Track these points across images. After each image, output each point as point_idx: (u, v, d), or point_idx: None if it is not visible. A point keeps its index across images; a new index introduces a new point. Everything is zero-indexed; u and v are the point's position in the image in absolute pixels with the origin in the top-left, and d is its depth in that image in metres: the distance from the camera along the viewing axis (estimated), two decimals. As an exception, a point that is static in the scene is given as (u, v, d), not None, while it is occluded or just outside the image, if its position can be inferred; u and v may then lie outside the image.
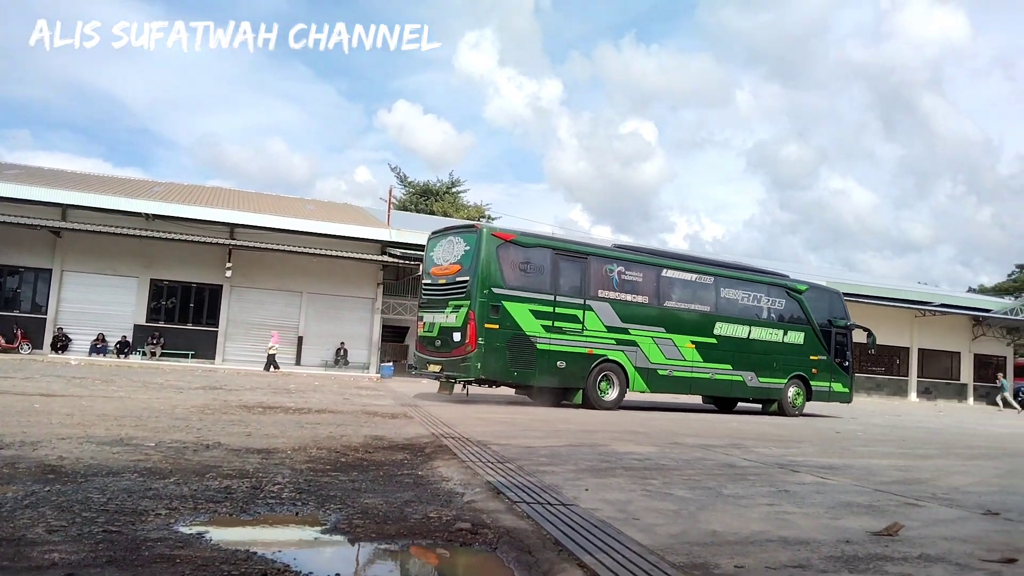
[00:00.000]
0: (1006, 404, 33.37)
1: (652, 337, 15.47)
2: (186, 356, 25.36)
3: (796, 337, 17.80)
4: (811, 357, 17.94)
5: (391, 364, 27.09)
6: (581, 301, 14.68)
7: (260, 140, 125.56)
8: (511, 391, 15.91)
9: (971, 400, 39.20)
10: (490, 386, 14.93)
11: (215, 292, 26.44)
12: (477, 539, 3.62)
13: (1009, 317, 37.42)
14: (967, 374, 39.60)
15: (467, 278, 13.79)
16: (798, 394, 17.72)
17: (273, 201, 31.70)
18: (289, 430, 7.74)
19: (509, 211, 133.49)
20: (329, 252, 25.66)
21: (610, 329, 14.96)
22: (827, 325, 18.48)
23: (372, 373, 26.09)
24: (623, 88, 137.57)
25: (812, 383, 17.91)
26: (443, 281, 14.48)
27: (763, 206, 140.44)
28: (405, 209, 52.06)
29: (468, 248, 14.05)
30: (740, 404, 18.32)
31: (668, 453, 7.51)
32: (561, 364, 14.27)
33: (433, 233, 15.77)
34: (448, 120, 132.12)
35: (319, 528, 3.75)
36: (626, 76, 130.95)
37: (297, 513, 4.00)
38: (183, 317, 26.43)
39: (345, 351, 27.17)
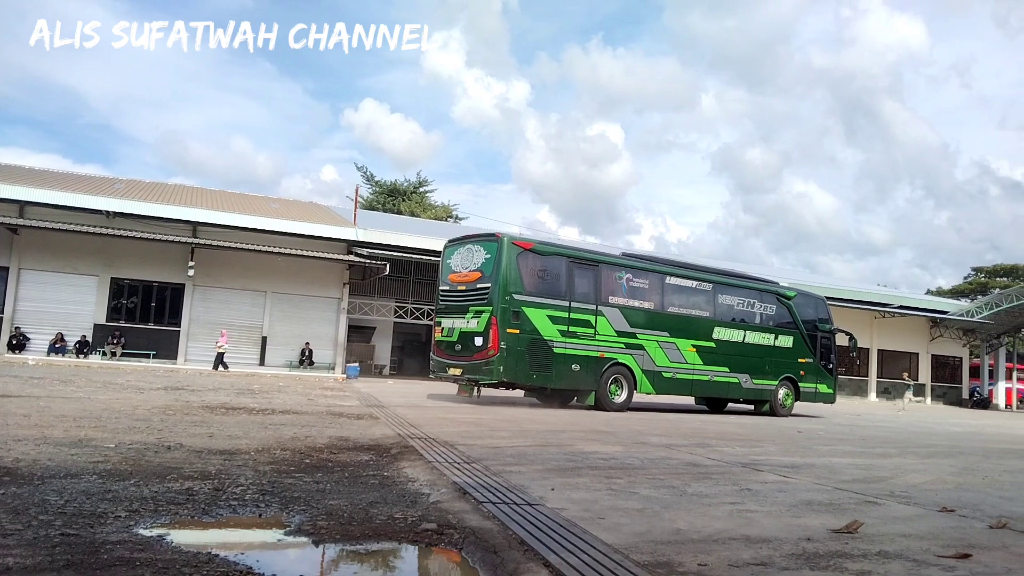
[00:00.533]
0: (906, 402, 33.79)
1: (657, 341, 16.10)
2: (147, 356, 24.95)
3: (786, 341, 18.58)
4: (799, 360, 18.74)
5: (357, 365, 26.91)
6: (593, 307, 15.23)
7: (224, 138, 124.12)
8: (509, 393, 16.21)
9: (929, 400, 40.02)
10: (507, 389, 15.33)
11: (177, 291, 26.05)
12: (443, 539, 3.61)
13: (965, 319, 38.26)
14: (925, 374, 40.43)
15: (488, 285, 14.27)
16: (788, 395, 18.47)
17: (237, 199, 31.31)
18: (252, 431, 7.65)
19: (477, 211, 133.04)
20: (294, 251, 25.42)
21: (619, 334, 15.52)
22: (813, 329, 19.30)
23: (338, 374, 25.89)
24: (590, 90, 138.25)
25: (800, 385, 18.69)
26: (463, 288, 14.91)
27: (727, 208, 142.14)
28: (372, 208, 51.76)
29: (488, 256, 14.50)
30: (730, 405, 19.11)
31: (633, 453, 7.56)
32: (575, 367, 14.77)
33: (450, 241, 16.08)
34: (416, 120, 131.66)
35: (283, 530, 3.71)
36: (593, 78, 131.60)
37: (260, 515, 3.96)
38: (144, 316, 26.00)
39: (310, 351, 26.93)
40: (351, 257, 26.28)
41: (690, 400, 19.21)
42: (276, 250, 25.18)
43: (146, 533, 3.37)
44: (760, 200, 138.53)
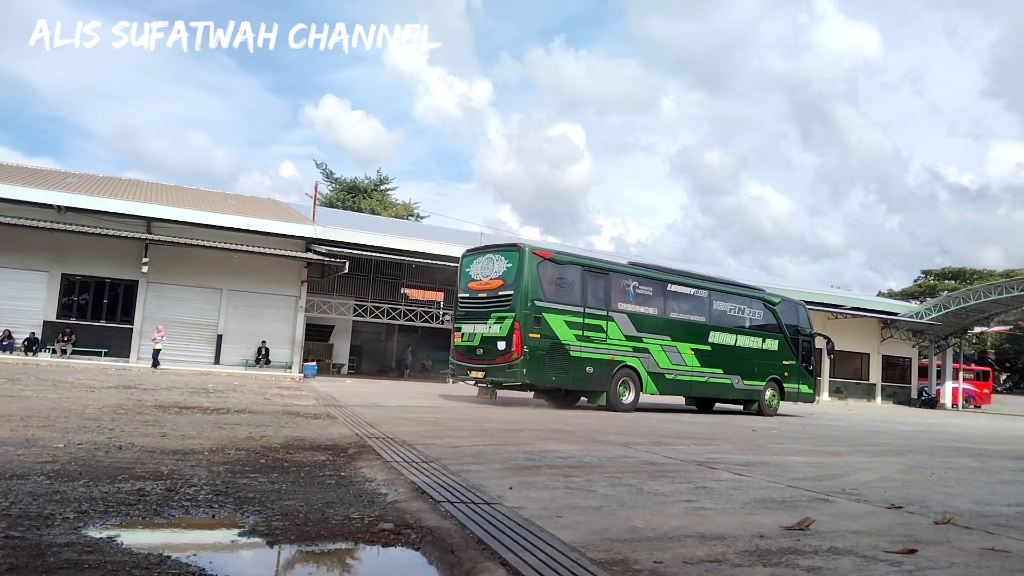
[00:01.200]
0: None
1: (661, 345, 16.97)
2: (99, 354, 24.39)
3: (772, 344, 19.62)
4: (784, 362, 19.80)
5: (315, 364, 26.63)
6: (605, 312, 16.05)
7: (181, 132, 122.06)
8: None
9: (879, 399, 40.91)
10: (527, 391, 16.07)
11: (130, 288, 25.49)
12: (400, 539, 3.60)
13: (915, 320, 39.19)
14: (876, 374, 41.31)
15: (511, 292, 14.97)
16: (774, 396, 19.44)
17: (193, 195, 30.76)
18: (206, 431, 7.53)
19: (438, 210, 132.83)
20: (251, 248, 25.07)
21: (628, 338, 16.33)
22: (795, 333, 20.38)
23: (295, 373, 25.59)
24: (552, 91, 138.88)
25: (784, 385, 19.74)
26: (484, 295, 15.63)
27: (685, 210, 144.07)
28: (331, 206, 51.26)
29: (510, 265, 15.20)
30: (717, 405, 19.94)
31: (591, 451, 7.60)
32: (590, 370, 15.56)
33: (469, 251, 16.93)
34: (377, 117, 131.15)
35: (237, 530, 3.66)
36: (556, 79, 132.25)
37: (214, 515, 3.90)
38: (96, 314, 25.40)
39: (267, 350, 26.58)
40: (309, 255, 26.00)
41: (679, 400, 19.89)
42: (232, 247, 24.80)
43: (95, 535, 3.30)
44: (717, 202, 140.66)
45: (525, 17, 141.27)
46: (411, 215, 57.92)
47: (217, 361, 26.02)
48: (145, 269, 24.31)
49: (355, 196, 56.79)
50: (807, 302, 36.05)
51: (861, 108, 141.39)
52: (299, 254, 25.94)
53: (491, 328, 15.12)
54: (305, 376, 24.78)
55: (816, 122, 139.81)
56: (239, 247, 24.91)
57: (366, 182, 59.15)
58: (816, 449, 10.04)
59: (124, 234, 23.79)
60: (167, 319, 25.38)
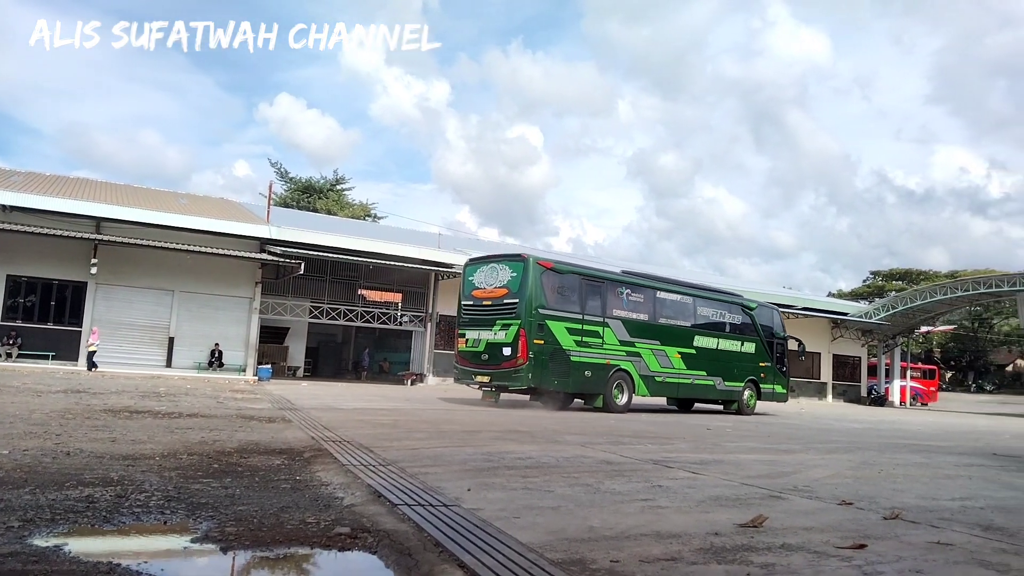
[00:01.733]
0: None
1: (651, 349, 17.85)
2: (46, 358, 23.71)
3: (750, 347, 20.67)
4: (760, 364, 20.86)
5: (269, 366, 26.25)
6: (601, 319, 16.86)
7: (132, 130, 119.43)
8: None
9: (830, 398, 41.74)
10: (531, 394, 16.61)
11: (79, 290, 24.82)
12: (356, 543, 3.57)
13: (864, 320, 40.06)
14: (827, 373, 42.13)
15: (516, 300, 15.66)
16: (751, 396, 20.48)
17: (144, 194, 30.09)
18: (158, 435, 7.38)
19: (396, 211, 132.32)
20: (204, 249, 24.60)
21: (622, 343, 17.19)
22: (770, 336, 21.50)
23: (249, 376, 25.20)
24: (510, 93, 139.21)
25: (761, 386, 20.76)
26: (488, 303, 16.25)
27: (641, 213, 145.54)
28: (286, 206, 50.60)
29: (515, 274, 15.90)
30: (696, 404, 20.90)
31: (549, 452, 7.63)
32: (588, 373, 16.39)
33: (472, 260, 17.68)
34: (333, 116, 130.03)
35: (189, 537, 3.59)
36: (513, 81, 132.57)
37: (165, 522, 3.82)
38: (43, 316, 24.68)
39: (220, 353, 26.12)
40: (264, 255, 25.61)
41: (661, 401, 20.58)
42: (184, 247, 24.31)
43: (41, 544, 3.21)
44: (673, 204, 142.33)
45: (482, 18, 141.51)
46: (368, 215, 57.45)
47: (169, 364, 25.48)
48: (94, 270, 23.70)
49: (310, 196, 56.13)
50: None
51: (812, 112, 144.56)
52: (253, 255, 25.54)
53: (496, 334, 15.79)
54: (259, 379, 24.41)
55: (768, 126, 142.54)
56: (191, 248, 24.42)
57: (322, 182, 58.52)
58: (769, 447, 10.21)
59: (72, 234, 23.17)
60: (117, 321, 24.79)
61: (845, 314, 41.31)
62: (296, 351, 31.16)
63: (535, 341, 15.35)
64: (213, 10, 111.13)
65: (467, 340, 16.54)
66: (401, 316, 30.62)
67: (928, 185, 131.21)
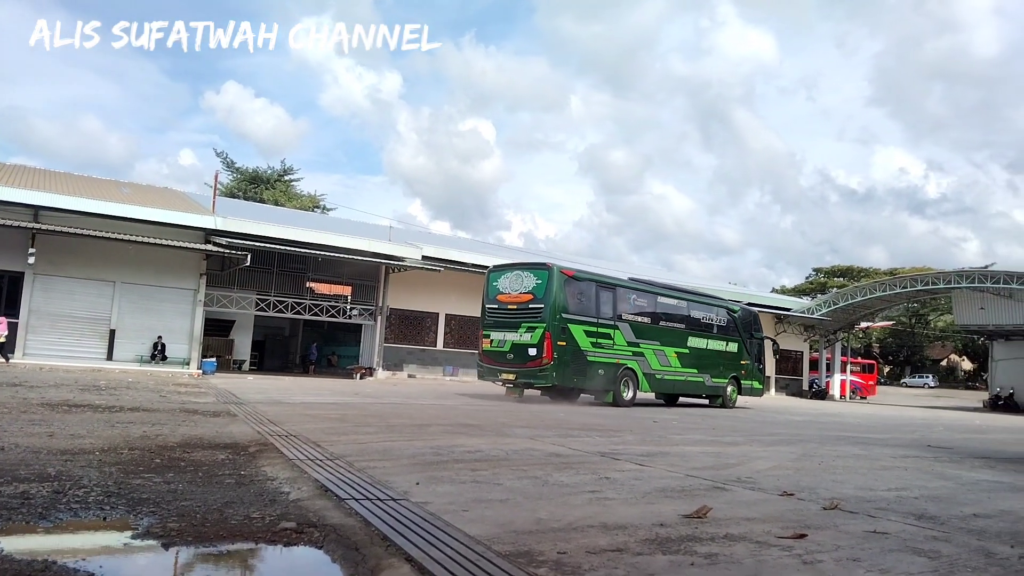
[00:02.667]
0: None
1: (653, 349, 19.28)
2: (-23, 350, 22.90)
3: (733, 347, 22.32)
4: (741, 362, 22.59)
5: (214, 360, 25.77)
6: (612, 322, 18.24)
7: (72, 116, 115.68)
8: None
9: (773, 391, 42.66)
10: (550, 392, 17.81)
11: (16, 280, 23.99)
12: (303, 538, 3.53)
13: (806, 316, 40.99)
14: (770, 367, 43.01)
15: (541, 305, 16.96)
16: (734, 391, 22.07)
17: (85, 183, 29.22)
18: (98, 429, 7.20)
19: (347, 202, 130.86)
20: (146, 239, 24.00)
21: (629, 344, 18.56)
22: (750, 336, 23.27)
23: (193, 369, 24.70)
24: (463, 86, 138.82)
25: (742, 382, 22.43)
26: (513, 307, 17.52)
27: (592, 208, 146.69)
28: (233, 196, 49.65)
29: (539, 281, 17.23)
30: (681, 399, 21.90)
31: (499, 445, 7.65)
32: (601, 372, 17.70)
33: (496, 267, 19.22)
34: (282, 105, 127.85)
35: (129, 533, 3.51)
36: (466, 75, 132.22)
37: (105, 518, 3.73)
38: (-25, 307, 23.84)
39: (163, 346, 25.54)
40: (209, 247, 25.09)
41: (650, 395, 21.23)
42: (126, 238, 23.68)
43: (-28, 542, 3.11)
44: (623, 200, 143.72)
45: (435, 10, 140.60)
46: (317, 207, 56.71)
47: (110, 357, 24.82)
48: (32, 260, 22.93)
49: (257, 187, 55.19)
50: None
51: (758, 111, 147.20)
52: (198, 246, 25.01)
53: (522, 336, 17.05)
54: (204, 372, 23.94)
55: (716, 124, 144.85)
56: (133, 238, 23.80)
57: (269, 172, 57.59)
58: (714, 439, 10.39)
59: (8, 223, 22.37)
60: (56, 313, 24.04)
61: (788, 310, 42.19)
62: (242, 344, 30.62)
63: (559, 343, 16.68)
64: (167, 5, 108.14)
65: (492, 340, 17.76)
66: (350, 309, 30.33)
67: (869, 185, 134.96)
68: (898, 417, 23.79)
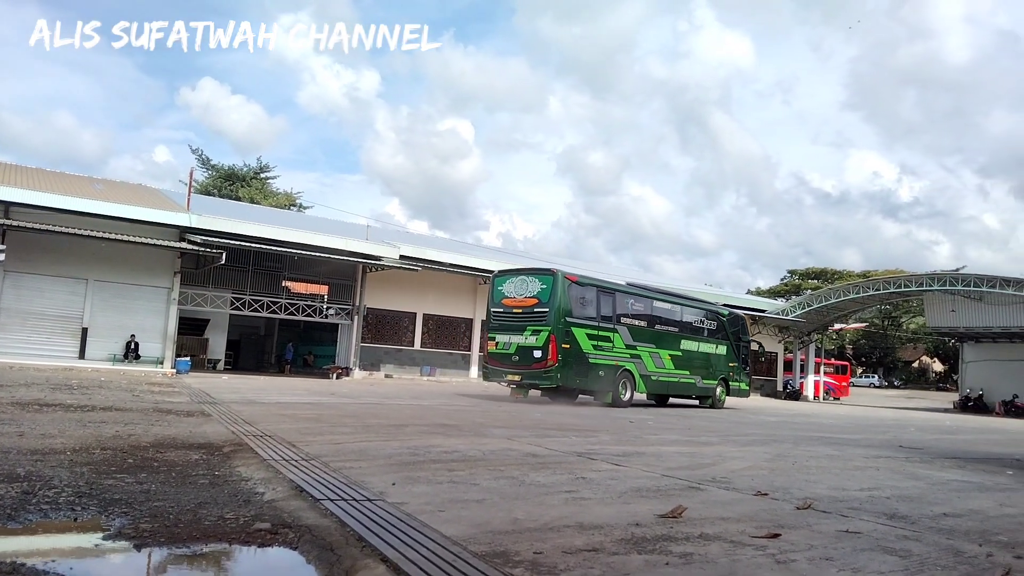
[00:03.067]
0: None
1: (649, 351, 19.91)
2: (-55, 349, 22.49)
3: (722, 349, 23.08)
4: (730, 364, 23.33)
5: (188, 359, 25.51)
6: (612, 326, 18.88)
7: (45, 111, 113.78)
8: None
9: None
10: (552, 393, 18.42)
11: (-17, 277, 23.64)
12: (277, 539, 3.51)
13: (781, 317, 41.34)
14: (746, 368, 43.34)
15: (546, 309, 17.52)
16: (722, 392, 22.80)
17: (57, 179, 28.82)
18: (69, 429, 7.10)
19: (324, 201, 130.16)
20: (120, 237, 23.70)
21: (627, 346, 19.17)
22: (738, 340, 24.09)
23: (167, 368, 24.44)
24: (442, 86, 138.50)
25: (730, 383, 23.21)
26: (519, 311, 18.05)
27: (570, 209, 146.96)
28: (208, 194, 49.18)
29: (544, 286, 17.79)
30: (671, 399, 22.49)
31: (476, 445, 7.64)
32: (602, 373, 18.32)
33: (501, 272, 19.91)
34: (258, 103, 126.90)
35: (101, 534, 3.47)
36: (445, 74, 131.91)
37: (76, 519, 3.68)
38: (-58, 305, 23.40)
39: (136, 345, 25.25)
40: (183, 244, 24.83)
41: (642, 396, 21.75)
42: (99, 235, 23.38)
43: (-61, 544, 3.06)
44: (601, 202, 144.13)
45: (414, 8, 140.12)
46: (293, 205, 56.33)
47: (82, 356, 24.51)
48: (2, 257, 22.56)
49: (233, 184, 54.68)
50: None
51: (735, 115, 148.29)
52: (172, 243, 24.75)
53: (527, 339, 17.61)
54: (178, 372, 23.70)
55: (693, 127, 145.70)
56: (106, 235, 23.51)
57: (245, 170, 57.07)
58: (689, 439, 10.46)
59: (-24, 219, 22.04)
60: (27, 311, 23.68)
61: (763, 311, 42.51)
62: (216, 344, 30.33)
63: (563, 345, 17.26)
64: (140, 3, 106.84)
65: (497, 343, 18.40)
66: (327, 309, 30.16)
67: (843, 188, 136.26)
68: (870, 418, 24.08)
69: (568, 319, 17.56)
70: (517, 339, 17.89)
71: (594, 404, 18.46)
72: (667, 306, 21.44)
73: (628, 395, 19.04)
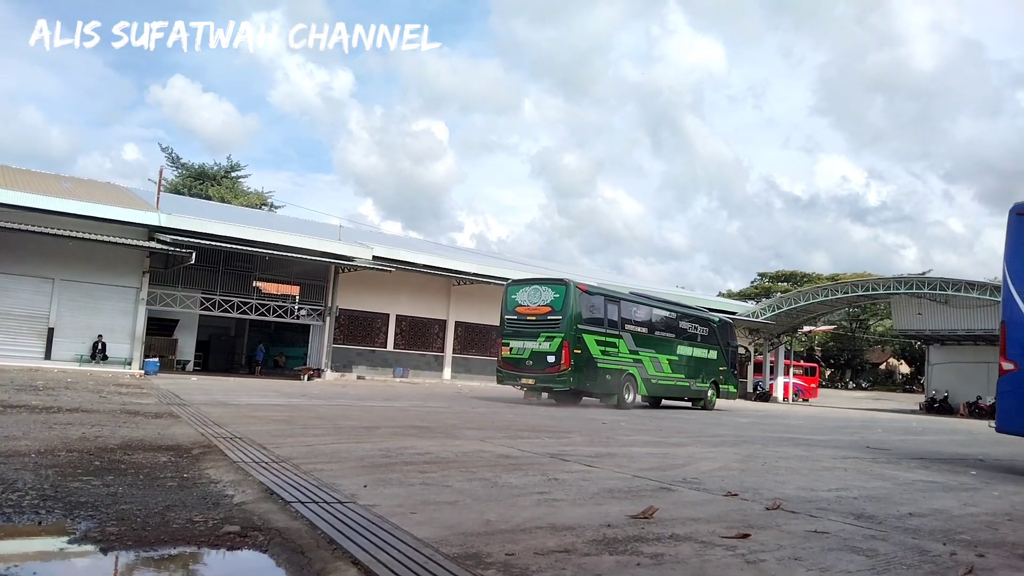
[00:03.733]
0: None
1: (649, 356, 21.12)
2: (-95, 349, 22.00)
3: (713, 354, 24.37)
4: (720, 368, 24.61)
5: (157, 360, 25.20)
6: (618, 332, 20.08)
7: (10, 108, 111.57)
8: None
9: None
10: (561, 395, 19.75)
11: (-54, 276, 23.14)
12: (246, 542, 3.48)
13: (751, 319, 41.76)
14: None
15: (559, 317, 18.64)
16: (713, 394, 24.22)
17: (24, 176, 28.32)
18: (34, 431, 6.98)
19: (297, 201, 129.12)
20: (87, 235, 23.35)
21: (631, 352, 20.40)
22: (727, 345, 25.40)
23: (135, 369, 24.12)
24: (416, 86, 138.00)
25: (721, 386, 24.58)
26: (532, 318, 19.17)
27: (544, 211, 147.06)
28: (178, 192, 48.61)
29: (557, 295, 18.94)
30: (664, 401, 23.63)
31: (448, 447, 7.62)
32: (608, 377, 19.54)
33: (514, 281, 21.15)
34: (230, 101, 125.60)
35: (66, 538, 3.41)
36: (419, 75, 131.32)
37: (40, 522, 3.62)
38: (-97, 304, 22.88)
39: (103, 345, 24.88)
40: (152, 244, 24.52)
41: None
42: (66, 233, 23.01)
43: (-103, 548, 2.99)
44: (574, 204, 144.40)
45: (388, 8, 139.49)
46: (264, 204, 55.86)
47: (48, 356, 24.10)
48: (-37, 255, 22.14)
49: (203, 183, 54.12)
50: (654, 299, 37.95)
51: (707, 119, 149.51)
52: (141, 243, 24.43)
53: (540, 345, 18.72)
54: (146, 373, 23.41)
55: (666, 130, 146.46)
56: (73, 234, 23.15)
57: (216, 168, 56.51)
58: (661, 440, 10.52)
59: (-62, 217, 21.58)
60: (-11, 310, 23.25)
61: (734, 313, 42.83)
62: (186, 344, 30.00)
63: (575, 351, 18.35)
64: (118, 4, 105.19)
65: (511, 348, 19.45)
66: (298, 310, 29.94)
67: (813, 192, 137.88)
68: (839, 419, 24.40)
69: (579, 326, 18.64)
70: (531, 345, 18.97)
71: (599, 406, 19.49)
72: (665, 314, 22.84)
73: (631, 397, 20.24)
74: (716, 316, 26.20)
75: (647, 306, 22.19)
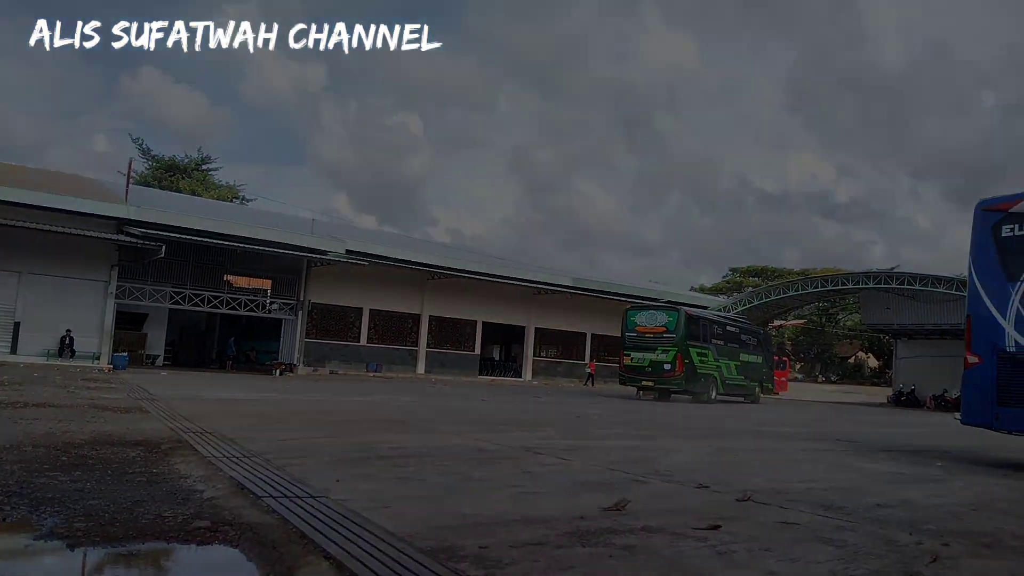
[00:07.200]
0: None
1: (724, 363, 26.26)
2: None
3: (759, 359, 29.46)
4: (763, 370, 29.81)
5: (126, 354, 24.86)
6: (708, 345, 25.29)
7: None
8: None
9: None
10: (682, 393, 24.60)
11: (-93, 270, 22.63)
12: (217, 537, 3.44)
13: (723, 314, 42.09)
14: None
15: (674, 335, 24.04)
16: (759, 391, 29.11)
17: (-15, 168, 27.79)
18: (-2, 427, 6.86)
19: (269, 194, 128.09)
20: (54, 228, 22.95)
21: (715, 359, 25.58)
22: (767, 351, 30.99)
23: (103, 364, 23.78)
24: (391, 80, 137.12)
25: (765, 384, 29.86)
26: (650, 336, 24.48)
27: (519, 206, 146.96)
28: (148, 185, 47.88)
29: (671, 319, 24.52)
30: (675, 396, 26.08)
31: (423, 441, 7.61)
32: (703, 379, 24.77)
33: (632, 307, 27.35)
34: (202, 92, 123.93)
35: (31, 534, 3.35)
36: (395, 68, 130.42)
37: (5, 519, 3.55)
38: None
39: (71, 339, 24.49)
40: (121, 237, 24.15)
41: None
42: (33, 226, 22.59)
43: None
44: (549, 199, 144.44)
45: (362, 2, 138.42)
46: (235, 198, 55.19)
47: (14, 351, 23.67)
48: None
49: (173, 175, 53.35)
50: (629, 295, 38.15)
51: (680, 116, 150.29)
52: (109, 236, 24.05)
53: (658, 356, 23.99)
54: (115, 368, 23.10)
55: (639, 127, 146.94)
56: (40, 226, 22.73)
57: (186, 161, 55.74)
58: (634, 433, 10.59)
59: (-101, 208, 21.08)
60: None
61: (706, 308, 43.21)
62: (155, 339, 29.59)
63: (685, 360, 23.57)
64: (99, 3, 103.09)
65: (632, 358, 24.73)
66: (270, 304, 29.68)
67: (784, 188, 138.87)
68: (809, 412, 24.74)
69: (689, 342, 23.93)
70: (650, 356, 24.18)
71: (669, 401, 23.65)
72: (733, 329, 28.40)
73: (713, 394, 25.32)
74: (760, 329, 32.48)
75: (722, 323, 28.03)
